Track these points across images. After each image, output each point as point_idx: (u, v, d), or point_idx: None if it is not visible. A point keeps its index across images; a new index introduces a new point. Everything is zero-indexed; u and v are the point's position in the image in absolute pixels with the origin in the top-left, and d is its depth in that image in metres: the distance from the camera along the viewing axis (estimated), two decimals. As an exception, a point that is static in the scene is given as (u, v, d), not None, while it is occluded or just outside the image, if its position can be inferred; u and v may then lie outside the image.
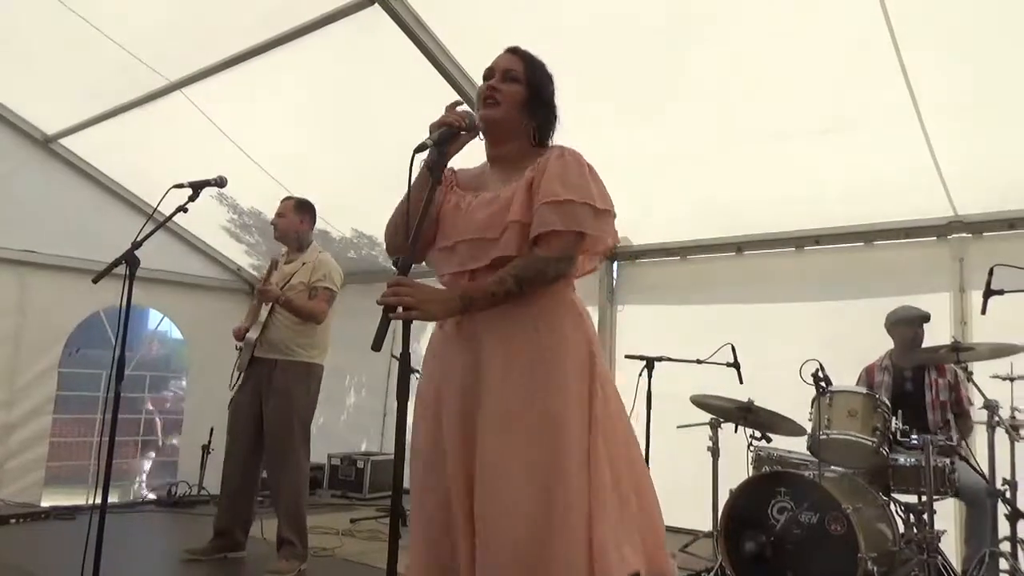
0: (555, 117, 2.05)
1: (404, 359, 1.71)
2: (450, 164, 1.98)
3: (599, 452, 1.78)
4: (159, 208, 3.06)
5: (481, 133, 1.97)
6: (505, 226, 1.85)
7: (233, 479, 4.20)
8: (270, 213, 6.75)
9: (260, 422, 4.13)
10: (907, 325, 4.14)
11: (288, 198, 4.46)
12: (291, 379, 4.10)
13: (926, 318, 4.12)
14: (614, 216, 1.94)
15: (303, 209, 4.39)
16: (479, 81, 2.08)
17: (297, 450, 4.09)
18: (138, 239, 2.92)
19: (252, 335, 4.17)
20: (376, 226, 6.58)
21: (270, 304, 4.14)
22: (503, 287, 1.79)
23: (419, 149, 1.78)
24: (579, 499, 1.72)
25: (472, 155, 2.07)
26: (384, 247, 6.42)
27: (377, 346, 1.62)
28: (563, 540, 1.70)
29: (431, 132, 1.81)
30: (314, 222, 4.48)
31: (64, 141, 6.20)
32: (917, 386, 4.12)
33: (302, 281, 4.16)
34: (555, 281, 1.87)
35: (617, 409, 1.91)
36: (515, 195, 1.87)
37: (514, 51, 2.04)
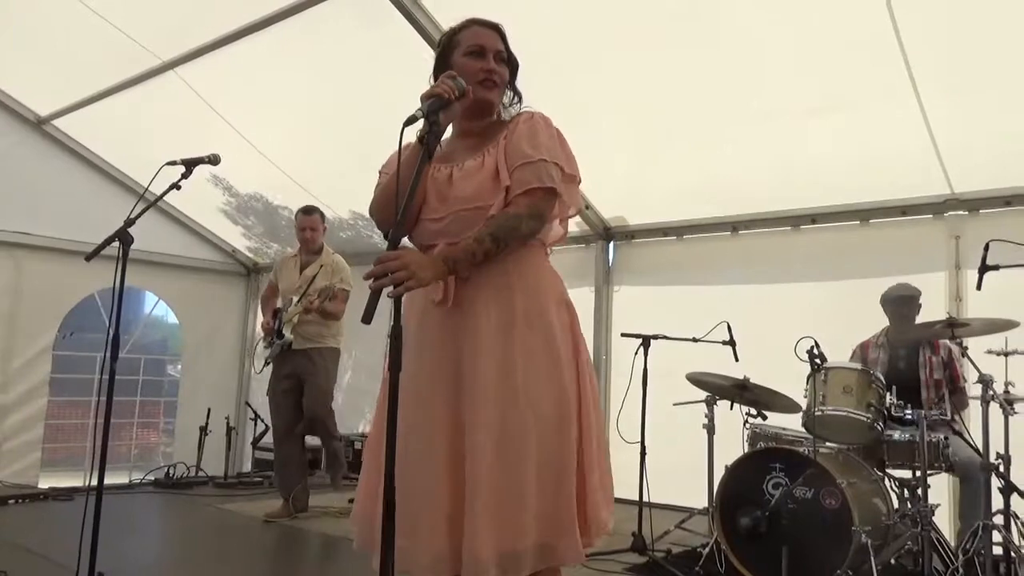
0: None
1: (395, 334, 1.70)
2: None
3: (590, 416, 1.90)
4: (152, 186, 3.04)
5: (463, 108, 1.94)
6: (498, 195, 1.88)
7: (290, 454, 4.95)
8: (266, 194, 6.78)
9: (299, 402, 4.89)
10: (895, 304, 4.15)
11: (312, 211, 5.04)
12: (327, 361, 4.94)
13: (915, 297, 4.12)
14: (579, 182, 2.02)
15: (324, 218, 5.11)
16: None
17: (333, 413, 5.08)
18: (131, 216, 2.90)
19: (288, 335, 4.82)
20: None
21: (296, 303, 4.83)
22: (481, 247, 1.80)
23: (409, 122, 1.74)
24: (571, 462, 1.82)
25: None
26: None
27: (367, 319, 1.62)
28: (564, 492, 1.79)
29: (422, 103, 1.79)
30: None
31: (57, 122, 6.16)
32: (911, 364, 4.12)
33: (324, 284, 4.79)
34: (529, 238, 1.90)
35: (592, 369, 2.02)
36: (498, 161, 1.91)
37: (495, 28, 2.04)
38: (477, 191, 1.90)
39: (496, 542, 1.72)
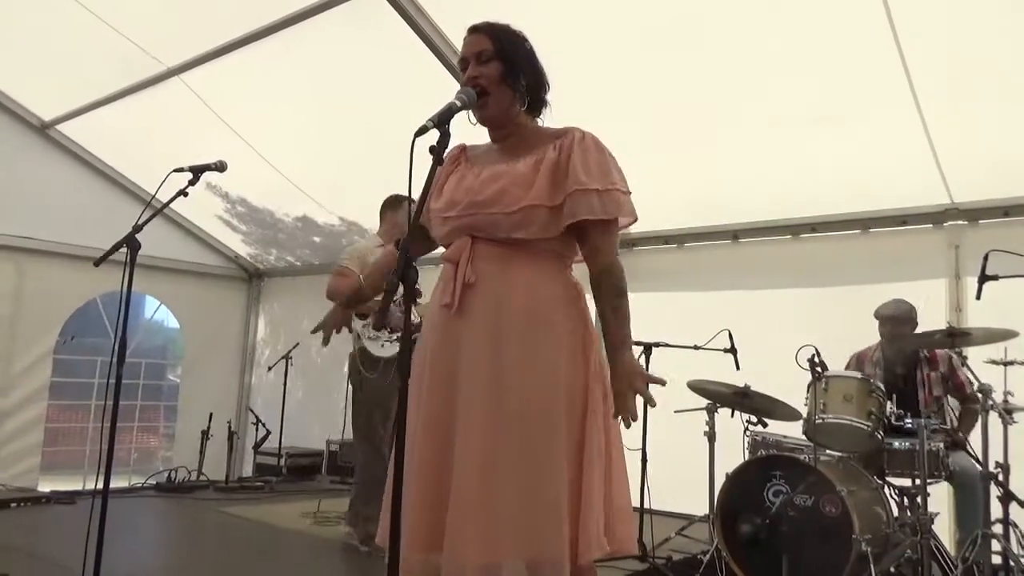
0: (541, 75, 2.04)
1: (405, 340, 1.72)
2: (462, 141, 2.02)
3: (591, 433, 1.83)
4: (159, 192, 3.06)
5: (482, 124, 2.01)
6: (523, 205, 1.86)
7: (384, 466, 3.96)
8: (267, 200, 6.80)
9: None
10: (890, 324, 4.09)
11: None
12: None
13: (910, 318, 4.06)
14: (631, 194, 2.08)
15: None
16: None
17: None
18: (139, 222, 2.91)
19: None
20: (371, 213, 6.57)
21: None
22: (627, 318, 1.97)
23: (420, 132, 1.77)
24: (561, 486, 1.76)
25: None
26: (372, 232, 6.14)
27: (379, 324, 1.64)
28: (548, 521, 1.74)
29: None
30: None
31: (61, 127, 6.19)
32: (910, 382, 4.09)
33: None
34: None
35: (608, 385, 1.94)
36: (538, 175, 1.89)
37: (476, 29, 2.01)
38: (497, 195, 1.90)
39: (477, 553, 1.72)
